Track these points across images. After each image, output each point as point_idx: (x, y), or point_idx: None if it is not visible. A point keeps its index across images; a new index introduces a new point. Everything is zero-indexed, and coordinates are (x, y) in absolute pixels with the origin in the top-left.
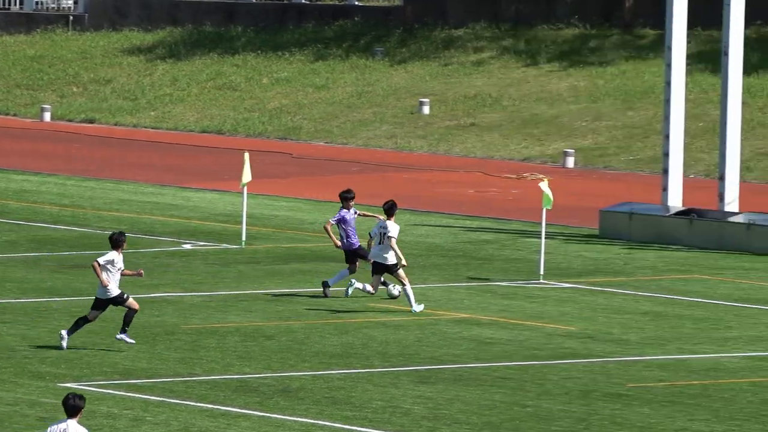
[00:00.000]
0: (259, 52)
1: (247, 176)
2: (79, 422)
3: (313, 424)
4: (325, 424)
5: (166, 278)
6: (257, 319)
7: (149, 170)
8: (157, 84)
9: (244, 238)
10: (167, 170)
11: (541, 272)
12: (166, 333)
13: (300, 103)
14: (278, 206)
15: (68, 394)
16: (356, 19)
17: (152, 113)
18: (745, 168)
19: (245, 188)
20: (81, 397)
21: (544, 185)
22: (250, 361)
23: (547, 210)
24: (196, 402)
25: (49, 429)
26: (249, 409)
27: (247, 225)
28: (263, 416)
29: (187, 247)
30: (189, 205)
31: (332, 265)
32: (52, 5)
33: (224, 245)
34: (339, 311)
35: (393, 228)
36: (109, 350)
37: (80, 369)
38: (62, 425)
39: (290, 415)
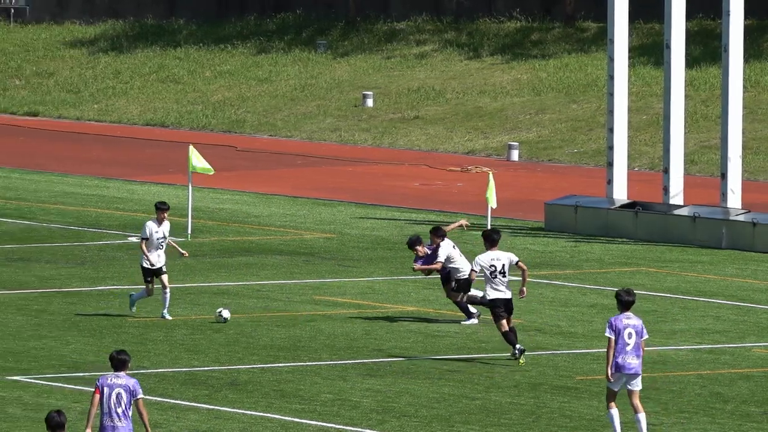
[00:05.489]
0: (201, 44)
1: (205, 165)
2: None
3: (261, 417)
4: (273, 417)
5: (112, 271)
6: (204, 312)
7: (93, 163)
8: (100, 77)
9: (189, 231)
10: (111, 163)
11: None
12: (113, 326)
13: (243, 96)
14: (224, 199)
15: (50, 412)
16: (298, 11)
17: (95, 106)
18: (689, 161)
19: (205, 174)
20: (60, 413)
21: (491, 187)
22: (198, 354)
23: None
24: (144, 395)
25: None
26: (198, 402)
27: (192, 218)
28: (212, 409)
29: (133, 239)
30: (134, 198)
31: (278, 259)
32: None
33: (170, 238)
34: (286, 304)
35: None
36: (57, 344)
37: (28, 362)
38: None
39: (239, 408)
